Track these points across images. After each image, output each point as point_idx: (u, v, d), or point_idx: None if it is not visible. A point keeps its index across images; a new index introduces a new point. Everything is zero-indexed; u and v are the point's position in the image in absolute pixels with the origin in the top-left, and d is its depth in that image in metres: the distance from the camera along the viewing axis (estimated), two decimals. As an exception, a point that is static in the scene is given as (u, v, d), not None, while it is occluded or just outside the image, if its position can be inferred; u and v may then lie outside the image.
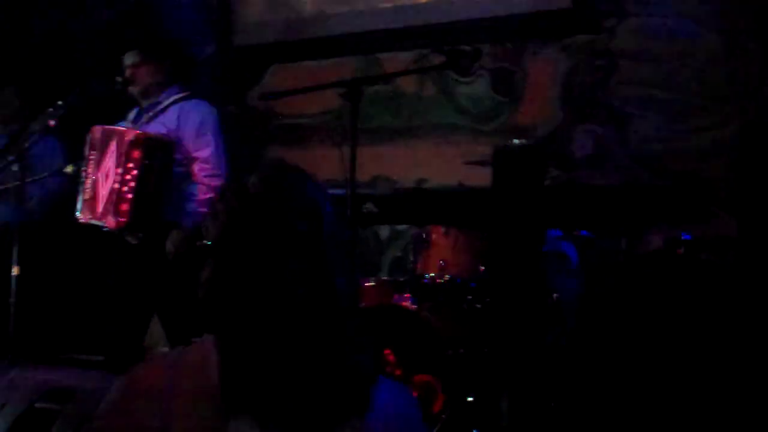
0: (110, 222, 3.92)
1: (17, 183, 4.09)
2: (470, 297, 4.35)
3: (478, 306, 4.30)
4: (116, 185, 3.88)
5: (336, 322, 1.62)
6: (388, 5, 5.92)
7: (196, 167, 4.13)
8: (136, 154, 3.88)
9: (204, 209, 4.07)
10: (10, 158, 4.12)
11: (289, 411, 1.55)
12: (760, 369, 4.13)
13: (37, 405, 2.96)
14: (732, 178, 4.77)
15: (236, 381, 1.56)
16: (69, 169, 4.25)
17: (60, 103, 4.09)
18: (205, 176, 4.10)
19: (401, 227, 5.69)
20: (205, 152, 4.13)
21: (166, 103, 4.22)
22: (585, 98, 5.33)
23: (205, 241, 1.70)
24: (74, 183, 4.20)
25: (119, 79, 4.24)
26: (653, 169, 5.03)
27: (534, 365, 3.74)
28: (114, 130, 4.02)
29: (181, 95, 4.26)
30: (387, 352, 4.06)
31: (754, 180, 4.63)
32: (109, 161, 3.95)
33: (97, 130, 4.06)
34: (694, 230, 4.39)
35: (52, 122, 4.06)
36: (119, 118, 4.38)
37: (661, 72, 5.09)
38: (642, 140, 5.10)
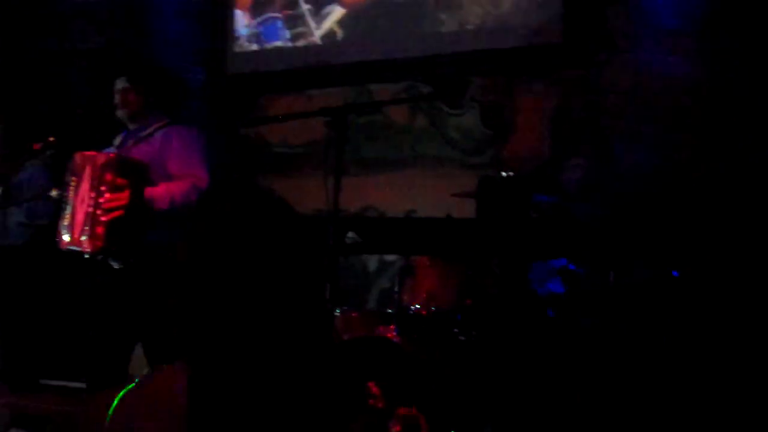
0: (87, 246, 3.90)
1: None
2: (456, 329, 4.32)
3: (463, 338, 4.29)
4: (90, 209, 3.87)
5: (304, 349, 1.60)
6: (380, 37, 5.93)
7: None
8: (109, 176, 3.89)
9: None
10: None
11: None
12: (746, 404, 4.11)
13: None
14: (720, 214, 4.77)
15: (204, 407, 1.54)
16: (54, 193, 4.24)
17: (51, 139, 4.17)
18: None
19: (390, 258, 5.67)
20: (189, 171, 4.12)
21: (151, 129, 4.25)
22: (574, 132, 5.33)
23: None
24: (58, 208, 4.19)
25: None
26: (642, 204, 5.01)
27: (520, 398, 3.71)
28: (89, 156, 4.02)
29: (165, 121, 4.28)
30: (371, 384, 4.03)
31: (741, 217, 4.64)
32: (85, 185, 3.96)
33: (78, 157, 4.07)
34: (684, 267, 4.38)
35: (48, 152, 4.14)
36: (107, 143, 4.39)
37: (650, 107, 5.09)
38: (630, 175, 5.09)
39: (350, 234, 3.77)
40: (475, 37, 5.63)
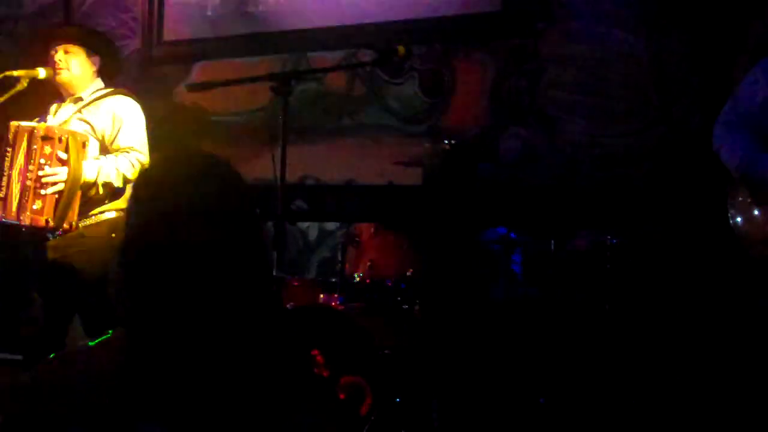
0: (25, 220, 3.81)
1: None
2: (399, 298, 4.34)
3: (406, 307, 4.30)
4: (29, 182, 3.78)
5: (248, 318, 1.55)
6: (318, 5, 5.87)
7: None
8: (49, 149, 3.78)
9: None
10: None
11: (198, 417, 1.48)
12: (681, 366, 4.20)
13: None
14: (657, 182, 4.84)
15: (143, 385, 1.49)
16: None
17: None
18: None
19: (330, 228, 5.65)
20: (130, 144, 4.03)
21: (90, 98, 4.12)
22: (513, 101, 5.35)
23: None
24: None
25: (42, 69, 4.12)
26: (580, 173, 5.06)
27: (465, 366, 3.74)
28: (26, 126, 3.89)
29: (105, 91, 4.16)
30: (315, 353, 4.02)
31: (678, 184, 4.71)
32: (22, 158, 3.84)
33: (14, 126, 3.93)
34: (621, 234, 4.44)
35: None
36: (43, 111, 4.25)
37: (588, 76, 5.13)
38: (569, 144, 5.14)
39: (297, 202, 3.74)
40: (414, 4, 5.61)
